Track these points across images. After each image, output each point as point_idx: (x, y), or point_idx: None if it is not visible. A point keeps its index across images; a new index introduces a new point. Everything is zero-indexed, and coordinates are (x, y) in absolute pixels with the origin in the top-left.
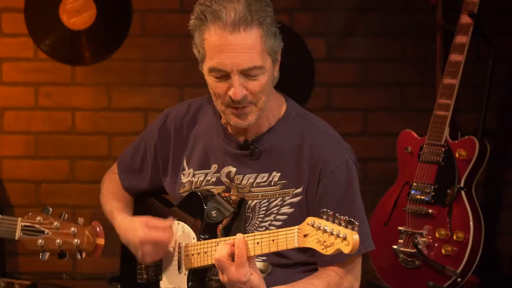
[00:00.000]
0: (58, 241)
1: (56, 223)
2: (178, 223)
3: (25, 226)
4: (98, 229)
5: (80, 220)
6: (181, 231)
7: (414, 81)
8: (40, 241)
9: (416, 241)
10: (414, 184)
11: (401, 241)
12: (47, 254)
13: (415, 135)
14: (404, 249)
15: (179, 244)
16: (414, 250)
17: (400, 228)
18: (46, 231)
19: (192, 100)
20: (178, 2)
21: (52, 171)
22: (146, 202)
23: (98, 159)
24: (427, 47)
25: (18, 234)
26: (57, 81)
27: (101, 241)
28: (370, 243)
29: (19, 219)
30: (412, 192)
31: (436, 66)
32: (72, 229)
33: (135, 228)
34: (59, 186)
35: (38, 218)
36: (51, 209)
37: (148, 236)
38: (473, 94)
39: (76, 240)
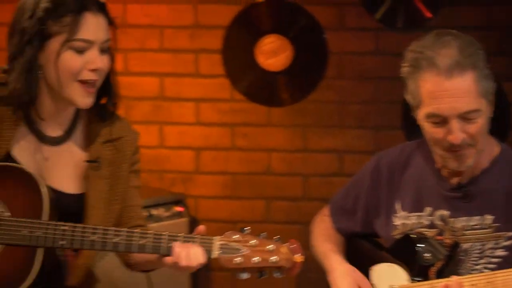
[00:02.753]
0: (255, 259)
1: (253, 241)
2: (390, 266)
3: (222, 244)
4: (295, 246)
5: (277, 238)
6: (393, 273)
7: None
8: (237, 259)
9: None
10: None
11: None
12: (246, 274)
13: None
14: None
15: (391, 286)
16: None
17: None
18: (244, 249)
19: (404, 144)
20: (374, 44)
21: (248, 212)
22: (357, 244)
23: (293, 200)
24: None
25: (215, 252)
26: (253, 122)
27: (300, 258)
28: None
29: (216, 237)
30: None
31: None
32: (270, 246)
33: (347, 279)
34: (255, 226)
35: (235, 236)
36: (247, 229)
37: None
38: None
39: (274, 257)
